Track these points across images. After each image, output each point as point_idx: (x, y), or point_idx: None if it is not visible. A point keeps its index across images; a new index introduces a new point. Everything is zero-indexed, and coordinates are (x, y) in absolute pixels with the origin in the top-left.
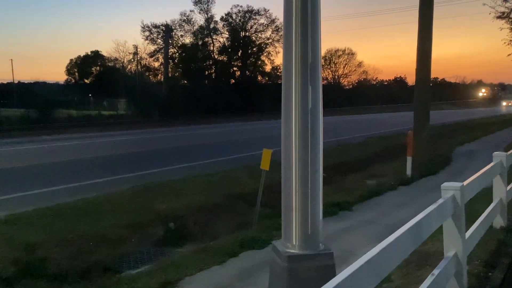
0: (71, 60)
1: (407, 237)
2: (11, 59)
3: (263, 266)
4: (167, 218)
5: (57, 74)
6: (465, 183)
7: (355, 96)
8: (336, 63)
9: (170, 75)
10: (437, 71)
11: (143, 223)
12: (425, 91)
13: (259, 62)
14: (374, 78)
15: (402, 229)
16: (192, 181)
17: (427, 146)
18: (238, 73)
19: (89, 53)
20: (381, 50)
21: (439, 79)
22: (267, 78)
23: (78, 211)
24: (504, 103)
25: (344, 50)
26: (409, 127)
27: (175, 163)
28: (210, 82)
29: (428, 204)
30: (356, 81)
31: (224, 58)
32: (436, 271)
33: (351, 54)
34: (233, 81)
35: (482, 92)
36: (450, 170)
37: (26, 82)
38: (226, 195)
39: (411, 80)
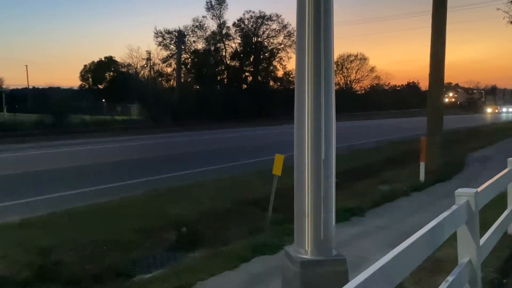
0: (85, 65)
1: (421, 243)
2: (26, 65)
3: (275, 272)
4: (179, 223)
5: (71, 79)
6: (479, 189)
7: (367, 101)
8: (348, 68)
9: (182, 80)
10: (450, 76)
11: (155, 227)
12: (438, 96)
13: (271, 68)
14: (386, 83)
15: (416, 235)
16: (204, 186)
17: (440, 151)
18: (250, 78)
19: (103, 59)
20: (394, 55)
21: (452, 84)
22: (279, 83)
23: (91, 216)
24: (489, 110)
25: (357, 55)
26: (422, 133)
27: (187, 168)
28: (222, 87)
29: (442, 210)
30: (369, 86)
31: (236, 64)
32: (450, 278)
33: (364, 59)
34: (245, 86)
35: (448, 97)
36: (463, 176)
37: (40, 87)
38: (237, 200)
39: (424, 85)
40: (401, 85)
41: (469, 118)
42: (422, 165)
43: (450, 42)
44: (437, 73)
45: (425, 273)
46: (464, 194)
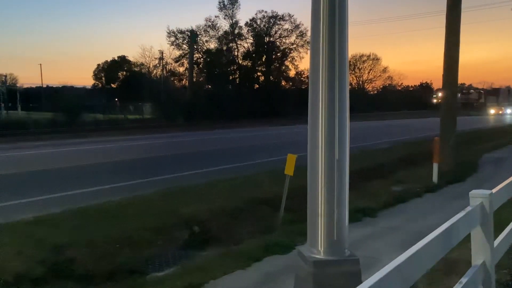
0: (98, 65)
1: (436, 244)
2: (40, 64)
3: (287, 271)
4: (191, 222)
5: (84, 78)
6: (494, 190)
7: (379, 101)
8: (361, 68)
9: (194, 80)
10: (464, 76)
11: (167, 226)
12: (452, 97)
13: (283, 67)
14: (399, 84)
15: (431, 236)
16: (215, 185)
17: (453, 152)
18: (262, 78)
19: (116, 58)
20: (407, 55)
21: (466, 85)
22: (291, 83)
23: (104, 213)
24: (492, 111)
25: (369, 56)
26: (435, 133)
27: (199, 167)
28: (234, 87)
29: (455, 212)
30: (381, 86)
31: (248, 63)
32: (464, 280)
33: (376, 59)
34: (257, 86)
35: (437, 98)
36: (477, 177)
37: (54, 86)
38: (249, 200)
39: (437, 85)
40: (414, 85)
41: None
42: (435, 166)
43: (464, 42)
44: (451, 74)
45: (438, 275)
46: (478, 196)
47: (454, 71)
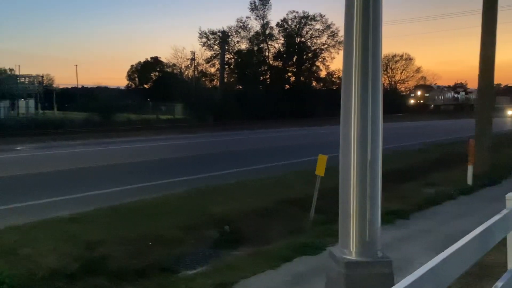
0: (132, 65)
1: (471, 247)
2: (76, 65)
3: (317, 272)
4: (222, 221)
5: (118, 79)
6: None
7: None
8: (393, 68)
9: (225, 80)
10: (500, 77)
11: (198, 225)
12: (487, 98)
13: (314, 68)
14: (433, 84)
15: (466, 239)
16: (246, 185)
17: (489, 154)
18: (292, 78)
19: (149, 59)
20: (441, 55)
21: (502, 85)
22: (322, 84)
23: (137, 212)
24: (510, 112)
25: (402, 56)
26: (470, 135)
27: (229, 168)
28: (265, 87)
29: (490, 215)
30: (414, 87)
31: (279, 64)
32: (499, 284)
33: (409, 59)
34: (288, 86)
35: (416, 97)
36: None
37: (89, 86)
38: (279, 200)
39: (472, 85)
40: (448, 86)
41: None
42: (469, 168)
43: (500, 41)
44: (487, 74)
45: (472, 278)
46: None
47: (490, 72)
